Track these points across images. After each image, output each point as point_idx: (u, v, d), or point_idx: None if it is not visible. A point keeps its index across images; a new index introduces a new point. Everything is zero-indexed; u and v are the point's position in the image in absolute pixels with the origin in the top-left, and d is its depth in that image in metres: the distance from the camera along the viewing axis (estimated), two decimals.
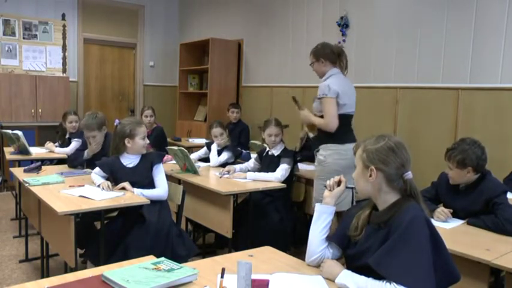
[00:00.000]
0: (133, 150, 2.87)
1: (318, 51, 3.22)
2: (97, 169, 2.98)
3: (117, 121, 3.13)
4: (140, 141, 2.86)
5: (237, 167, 3.67)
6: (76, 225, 2.42)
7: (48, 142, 4.57)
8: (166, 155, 3.72)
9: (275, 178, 3.39)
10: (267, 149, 3.70)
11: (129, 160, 2.89)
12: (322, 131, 3.15)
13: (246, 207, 3.35)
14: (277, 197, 3.50)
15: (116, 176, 2.89)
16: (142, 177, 2.85)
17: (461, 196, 2.45)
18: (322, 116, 3.12)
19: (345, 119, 3.16)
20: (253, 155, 3.95)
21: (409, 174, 1.55)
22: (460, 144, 2.42)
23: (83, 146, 3.66)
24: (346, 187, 1.77)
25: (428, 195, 2.56)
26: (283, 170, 3.44)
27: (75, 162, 3.57)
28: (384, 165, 1.54)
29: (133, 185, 2.80)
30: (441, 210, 2.40)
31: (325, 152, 3.14)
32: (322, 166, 3.17)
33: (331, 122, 3.06)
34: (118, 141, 2.86)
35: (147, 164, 2.88)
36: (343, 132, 3.16)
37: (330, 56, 3.18)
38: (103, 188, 2.77)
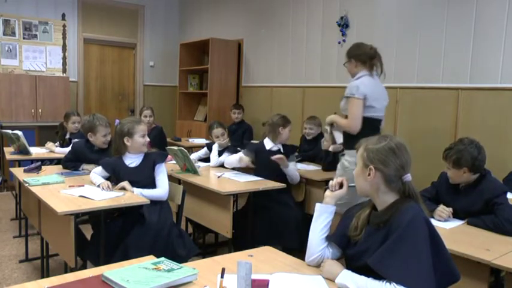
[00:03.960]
0: (134, 148, 2.88)
1: (350, 52, 3.13)
2: (98, 169, 2.99)
3: (117, 121, 3.16)
4: (139, 139, 2.86)
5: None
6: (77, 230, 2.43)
7: (48, 142, 4.57)
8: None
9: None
10: (266, 145, 3.62)
11: (131, 159, 2.90)
12: (349, 134, 3.00)
13: (255, 203, 3.34)
14: (283, 191, 3.49)
15: (118, 175, 2.90)
16: (144, 177, 2.86)
17: (461, 196, 2.46)
18: (347, 117, 3.03)
19: (372, 123, 3.01)
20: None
21: (408, 177, 1.54)
22: (456, 144, 2.43)
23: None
24: (349, 186, 1.76)
25: (428, 195, 2.57)
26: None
27: (68, 163, 3.51)
28: (383, 166, 1.54)
29: (135, 184, 2.80)
30: (442, 208, 2.40)
31: (351, 158, 2.95)
32: (344, 171, 2.98)
33: (354, 124, 2.94)
34: (118, 141, 2.88)
35: (150, 163, 2.89)
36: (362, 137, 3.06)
37: (362, 57, 3.06)
38: (103, 188, 2.77)
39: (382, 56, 4.40)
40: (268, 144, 3.61)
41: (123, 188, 2.77)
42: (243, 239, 3.24)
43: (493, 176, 2.46)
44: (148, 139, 2.93)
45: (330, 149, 4.00)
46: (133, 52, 7.47)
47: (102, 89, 7.28)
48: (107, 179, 2.95)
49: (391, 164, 1.53)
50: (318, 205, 1.76)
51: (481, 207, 2.34)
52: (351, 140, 2.93)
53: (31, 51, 6.39)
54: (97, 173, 2.98)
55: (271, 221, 3.35)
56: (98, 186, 2.83)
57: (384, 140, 1.58)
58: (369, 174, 1.56)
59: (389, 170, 1.53)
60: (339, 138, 3.21)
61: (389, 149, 1.55)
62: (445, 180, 2.54)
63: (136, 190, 2.76)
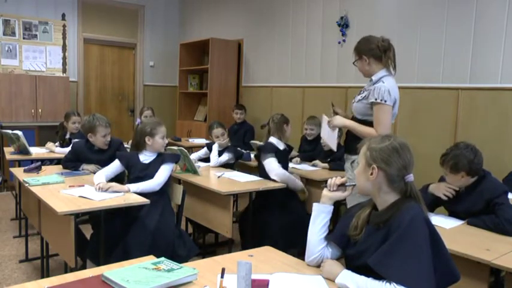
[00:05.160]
0: (152, 148, 3.00)
1: (360, 48, 2.70)
2: (104, 169, 3.02)
3: (138, 121, 3.26)
4: (160, 140, 2.99)
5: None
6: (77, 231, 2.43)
7: (48, 142, 4.57)
8: None
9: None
10: (278, 145, 3.52)
11: (146, 157, 3.01)
12: (358, 139, 2.44)
13: (263, 202, 3.35)
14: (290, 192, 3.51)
15: (130, 169, 3.01)
16: (152, 174, 2.91)
17: (462, 198, 2.45)
18: (362, 121, 2.65)
19: None
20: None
21: (410, 177, 1.55)
22: (453, 149, 2.43)
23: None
24: (350, 185, 1.76)
25: (428, 200, 2.56)
26: None
27: (68, 163, 3.51)
28: (385, 165, 1.54)
29: (141, 179, 2.87)
30: (446, 184, 2.42)
31: None
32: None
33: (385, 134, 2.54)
34: (139, 138, 3.01)
35: (160, 161, 2.97)
36: None
37: (375, 52, 2.63)
38: (99, 189, 2.74)
39: None
40: (279, 144, 3.52)
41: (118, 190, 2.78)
42: (249, 240, 3.25)
43: (493, 176, 2.46)
44: (167, 141, 3.08)
45: (326, 148, 4.00)
46: (133, 52, 7.47)
47: (102, 89, 7.27)
48: (116, 178, 3.01)
49: (394, 164, 1.53)
50: (315, 205, 1.76)
51: (482, 207, 2.34)
52: None
53: (31, 51, 6.39)
54: (110, 170, 3.00)
55: (283, 224, 3.34)
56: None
57: (387, 139, 1.58)
58: (372, 174, 1.56)
59: (392, 170, 1.53)
60: (333, 142, 2.91)
61: (393, 149, 1.55)
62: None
63: (130, 186, 2.79)
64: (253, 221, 3.27)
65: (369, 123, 2.62)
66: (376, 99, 2.54)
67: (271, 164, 3.40)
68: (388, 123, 2.57)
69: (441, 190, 2.47)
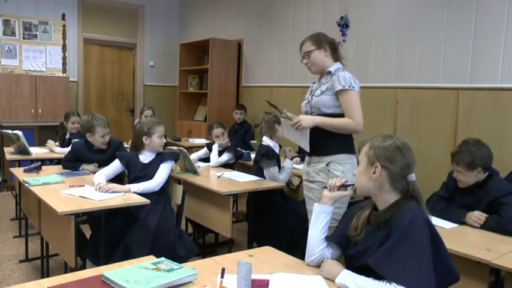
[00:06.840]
0: (150, 147, 3.01)
1: (320, 37, 2.58)
2: (104, 169, 3.02)
3: (137, 120, 3.27)
4: (157, 140, 3.00)
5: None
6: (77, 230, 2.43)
7: (49, 140, 4.56)
8: None
9: None
10: (275, 148, 3.55)
11: (145, 156, 3.02)
12: (331, 136, 2.45)
13: (269, 202, 3.36)
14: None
15: (130, 169, 3.02)
16: (152, 173, 2.92)
17: (467, 194, 2.45)
18: (330, 115, 2.47)
19: None
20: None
21: (412, 177, 1.55)
22: (465, 146, 2.41)
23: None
24: (349, 185, 1.76)
25: (444, 195, 2.58)
26: None
27: (67, 163, 3.50)
28: (389, 164, 1.54)
29: (141, 179, 2.89)
30: (479, 214, 2.30)
31: (342, 167, 2.42)
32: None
33: (361, 119, 2.41)
34: (137, 138, 3.02)
35: (159, 160, 2.98)
36: (352, 139, 2.53)
37: (332, 44, 2.59)
38: (99, 188, 2.75)
39: (382, 56, 4.42)
40: (276, 146, 3.53)
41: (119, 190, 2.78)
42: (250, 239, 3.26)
43: (500, 176, 2.46)
44: (165, 140, 3.08)
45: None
46: (133, 52, 7.47)
47: (102, 89, 7.27)
48: (116, 178, 3.01)
49: (397, 162, 1.54)
50: (315, 205, 1.76)
51: (486, 206, 2.34)
52: (338, 144, 2.45)
53: (31, 51, 6.39)
54: (110, 170, 3.00)
55: (290, 224, 3.31)
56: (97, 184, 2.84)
57: (390, 138, 1.59)
58: (374, 172, 1.56)
59: (395, 169, 1.54)
60: (306, 143, 2.55)
61: (396, 147, 1.55)
62: (452, 179, 2.54)
63: (131, 186, 2.80)
64: (258, 220, 3.27)
65: (338, 116, 2.46)
66: (344, 86, 2.41)
67: (274, 176, 3.47)
68: (360, 108, 2.42)
69: (471, 219, 2.33)
